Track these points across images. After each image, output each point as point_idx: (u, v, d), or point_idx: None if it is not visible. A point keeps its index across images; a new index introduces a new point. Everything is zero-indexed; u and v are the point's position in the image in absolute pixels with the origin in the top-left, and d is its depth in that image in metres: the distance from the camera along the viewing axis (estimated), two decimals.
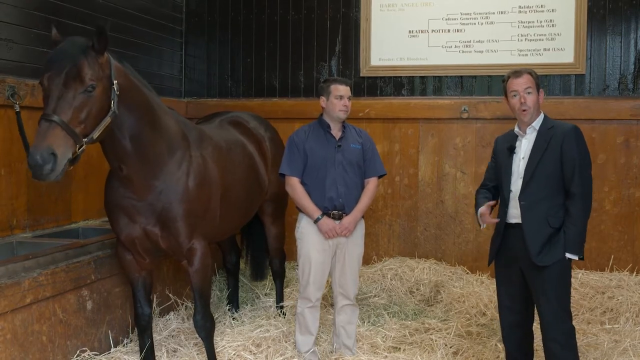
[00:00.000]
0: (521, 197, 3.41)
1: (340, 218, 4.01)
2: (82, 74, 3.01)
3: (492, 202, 3.60)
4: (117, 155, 3.41)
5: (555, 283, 3.34)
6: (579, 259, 3.38)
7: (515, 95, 3.46)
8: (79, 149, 3.01)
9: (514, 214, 3.46)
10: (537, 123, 3.48)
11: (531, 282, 3.41)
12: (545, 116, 3.52)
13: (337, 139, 4.09)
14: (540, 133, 3.44)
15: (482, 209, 3.57)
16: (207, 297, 3.87)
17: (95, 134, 3.11)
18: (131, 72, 3.43)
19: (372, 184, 4.14)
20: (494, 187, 3.67)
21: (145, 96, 3.50)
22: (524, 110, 3.43)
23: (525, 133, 3.49)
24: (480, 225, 3.67)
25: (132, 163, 3.44)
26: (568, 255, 3.31)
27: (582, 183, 3.33)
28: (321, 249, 4.04)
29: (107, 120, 3.15)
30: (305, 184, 4.06)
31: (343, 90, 4.05)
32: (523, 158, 3.46)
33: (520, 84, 3.43)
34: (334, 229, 3.97)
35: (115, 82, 3.18)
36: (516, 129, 3.55)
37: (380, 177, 4.21)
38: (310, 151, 4.05)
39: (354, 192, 4.07)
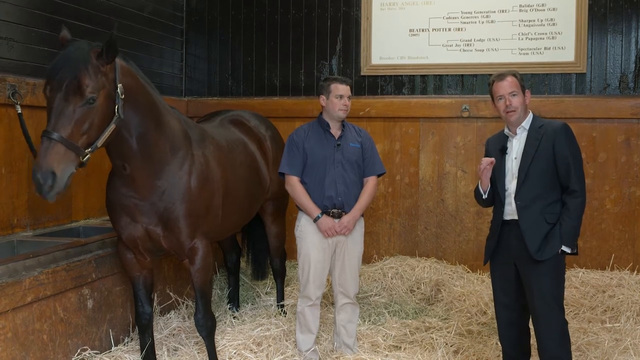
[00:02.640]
0: (517, 197, 3.44)
1: (339, 217, 4.01)
2: (82, 87, 2.99)
3: (491, 160, 3.55)
4: (122, 155, 3.40)
5: (550, 277, 3.37)
6: (573, 253, 3.41)
7: (501, 99, 3.50)
8: (83, 159, 3.03)
9: (509, 211, 3.49)
10: (527, 123, 3.52)
11: (525, 277, 3.44)
12: (534, 115, 3.56)
13: (336, 137, 4.09)
14: (531, 132, 3.49)
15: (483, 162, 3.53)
16: (208, 296, 3.87)
17: (100, 142, 3.12)
18: (137, 71, 3.42)
19: (371, 182, 4.14)
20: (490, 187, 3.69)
21: (150, 95, 3.49)
22: (510, 112, 3.47)
23: (516, 134, 3.53)
24: (483, 194, 3.61)
25: (136, 162, 3.44)
26: (563, 247, 3.35)
27: (578, 179, 3.38)
28: (320, 247, 4.04)
29: (112, 127, 3.15)
30: (304, 182, 4.06)
31: (343, 89, 4.04)
32: (515, 158, 3.50)
33: (505, 88, 3.48)
34: (333, 227, 3.97)
35: (120, 85, 3.16)
36: (506, 130, 3.60)
37: (379, 175, 4.21)
38: (309, 150, 4.05)
39: (354, 190, 4.06)
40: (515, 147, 3.52)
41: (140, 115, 3.36)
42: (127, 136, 3.33)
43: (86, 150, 3.04)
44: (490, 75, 6.03)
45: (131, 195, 3.57)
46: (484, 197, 3.62)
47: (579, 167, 3.41)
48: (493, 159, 3.53)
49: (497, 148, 3.60)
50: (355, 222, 4.05)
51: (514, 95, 3.46)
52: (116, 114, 3.16)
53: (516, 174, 3.47)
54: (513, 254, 3.47)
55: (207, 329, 3.83)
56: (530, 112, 3.57)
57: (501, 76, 3.52)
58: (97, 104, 3.05)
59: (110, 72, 3.14)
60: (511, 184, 3.49)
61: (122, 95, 3.17)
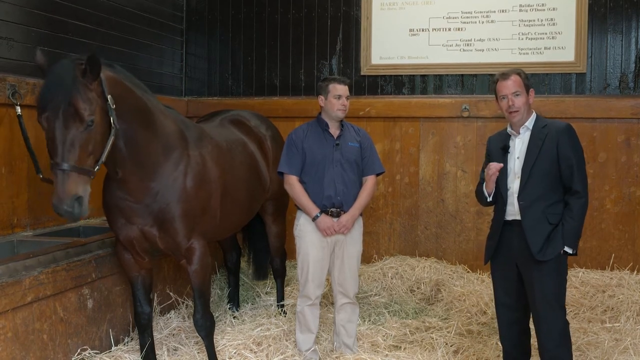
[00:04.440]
0: (520, 197, 3.42)
1: (338, 216, 4.01)
2: (80, 112, 2.98)
3: (500, 165, 3.49)
4: (112, 159, 3.38)
5: (552, 278, 3.37)
6: (573, 254, 3.40)
7: (504, 98, 3.48)
8: (92, 176, 3.09)
9: (511, 211, 3.48)
10: (530, 123, 3.50)
11: (527, 277, 3.43)
12: (537, 115, 3.55)
13: (335, 137, 4.09)
14: (534, 132, 3.47)
15: (491, 167, 3.46)
16: (207, 296, 3.87)
17: (104, 157, 3.16)
18: (123, 76, 3.39)
19: (370, 182, 4.14)
20: None
21: (139, 98, 3.46)
22: (512, 112, 3.46)
23: (519, 133, 3.51)
24: (488, 197, 3.57)
25: (126, 166, 3.44)
26: (566, 248, 3.34)
27: (581, 180, 3.38)
28: (320, 246, 4.04)
29: (112, 139, 3.18)
30: (303, 182, 4.06)
31: (341, 89, 4.04)
32: (518, 158, 3.48)
33: (509, 87, 3.45)
34: (332, 226, 3.97)
35: (109, 96, 3.15)
36: (509, 129, 3.57)
37: (378, 175, 4.21)
38: (308, 150, 4.05)
39: (352, 190, 4.07)
40: (518, 147, 3.50)
41: (127, 120, 3.33)
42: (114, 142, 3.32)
43: (95, 169, 3.10)
44: (490, 75, 6.09)
45: (125, 198, 3.57)
46: (488, 200, 3.60)
47: (582, 168, 3.40)
48: (502, 164, 3.48)
49: (499, 147, 3.58)
50: (353, 221, 4.05)
51: (517, 95, 3.44)
52: (112, 125, 3.17)
53: (519, 174, 3.45)
54: (515, 254, 3.46)
55: (206, 329, 3.83)
56: (534, 112, 3.54)
57: (505, 75, 3.50)
58: (96, 123, 3.06)
59: (98, 86, 3.13)
60: (513, 184, 3.47)
61: (113, 105, 3.17)
